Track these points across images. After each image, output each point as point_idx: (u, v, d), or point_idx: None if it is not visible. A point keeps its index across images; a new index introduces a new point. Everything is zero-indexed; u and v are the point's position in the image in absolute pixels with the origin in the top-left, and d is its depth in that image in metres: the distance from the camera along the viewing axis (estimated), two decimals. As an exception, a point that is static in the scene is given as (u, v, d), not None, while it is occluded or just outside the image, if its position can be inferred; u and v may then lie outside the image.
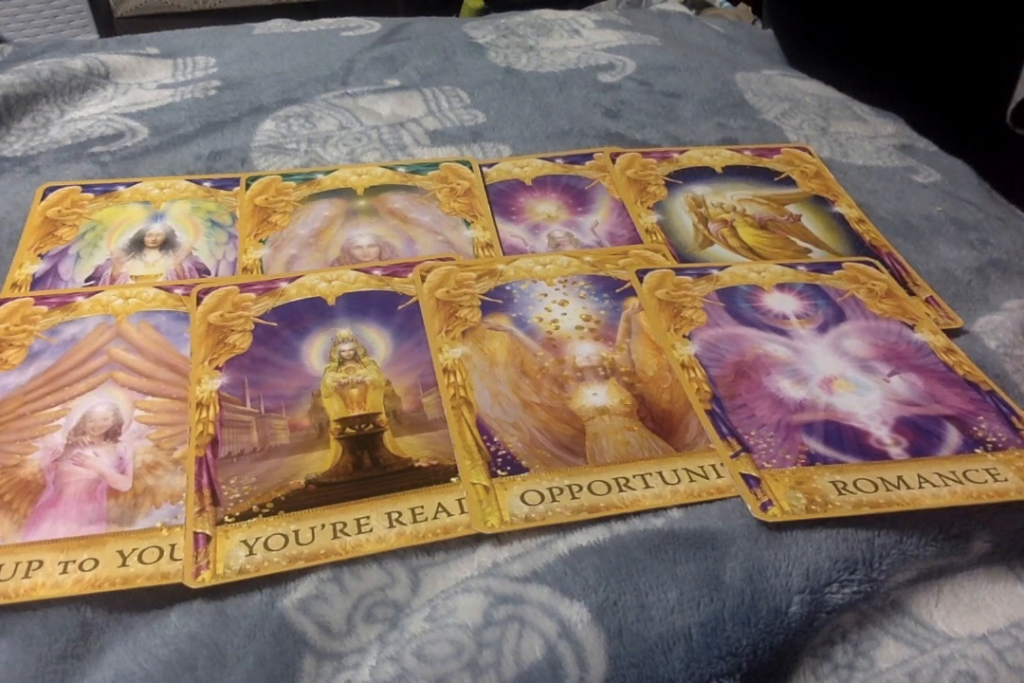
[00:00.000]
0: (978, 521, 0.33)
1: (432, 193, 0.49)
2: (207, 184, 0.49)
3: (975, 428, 0.36)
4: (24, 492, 0.32)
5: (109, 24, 1.28)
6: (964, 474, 0.33)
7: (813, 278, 0.44)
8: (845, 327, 0.41)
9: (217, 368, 0.37)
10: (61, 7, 1.22)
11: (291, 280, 0.42)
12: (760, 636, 0.29)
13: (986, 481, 0.33)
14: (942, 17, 0.57)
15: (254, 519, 0.31)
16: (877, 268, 0.45)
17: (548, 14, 0.73)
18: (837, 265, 0.45)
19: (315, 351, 0.38)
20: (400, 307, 0.41)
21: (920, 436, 0.35)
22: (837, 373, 0.38)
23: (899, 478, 0.33)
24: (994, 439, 0.35)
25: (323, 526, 0.31)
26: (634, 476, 0.33)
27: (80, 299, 0.41)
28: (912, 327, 0.41)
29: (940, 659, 0.30)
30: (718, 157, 0.54)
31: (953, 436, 0.35)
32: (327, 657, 0.29)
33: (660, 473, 0.33)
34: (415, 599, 0.30)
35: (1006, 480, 0.33)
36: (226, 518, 0.31)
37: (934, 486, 0.33)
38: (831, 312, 0.42)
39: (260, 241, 0.46)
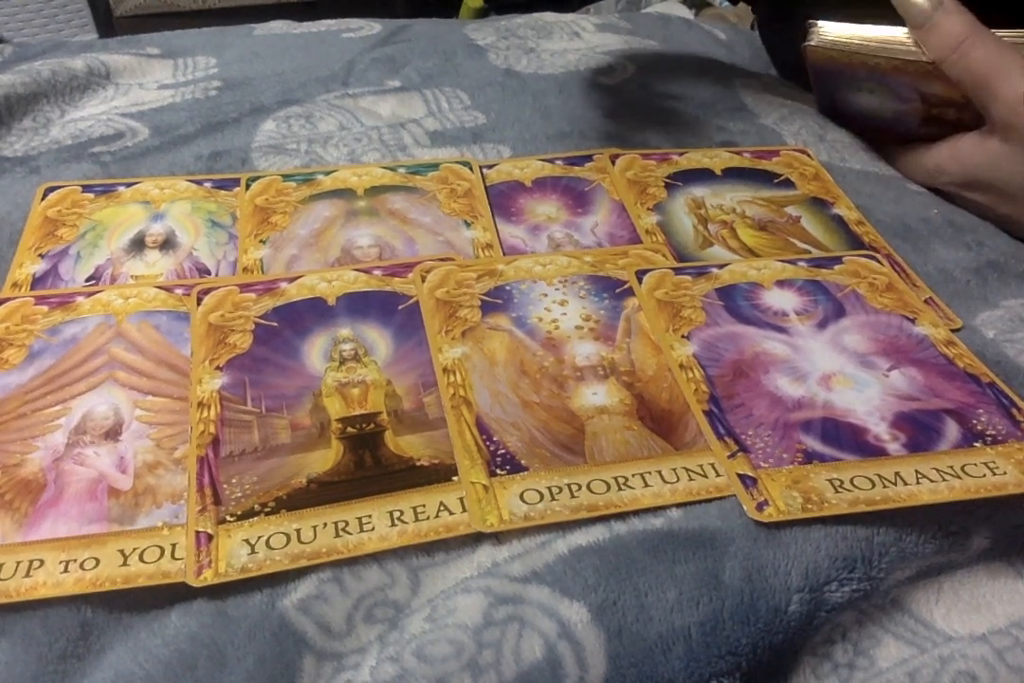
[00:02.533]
0: (977, 517, 0.33)
1: (432, 194, 0.49)
2: (207, 184, 0.49)
3: (974, 421, 0.36)
4: (25, 491, 0.32)
5: (108, 23, 1.28)
6: (962, 468, 0.33)
7: (813, 274, 0.44)
8: (845, 322, 0.41)
9: (218, 368, 0.37)
10: (60, 6, 1.23)
11: (291, 280, 0.42)
12: (760, 635, 0.29)
13: (984, 475, 0.33)
14: None
15: (256, 518, 0.31)
16: (878, 261, 0.45)
17: (549, 17, 0.73)
18: (837, 260, 0.45)
19: (316, 351, 0.38)
20: (400, 307, 0.41)
21: (919, 431, 0.35)
22: (836, 369, 0.38)
23: (896, 474, 0.33)
24: (993, 432, 0.35)
25: (325, 525, 0.31)
26: (633, 475, 0.33)
27: (80, 299, 0.41)
28: (913, 320, 0.41)
29: (940, 659, 0.30)
30: (717, 159, 0.54)
31: (952, 430, 0.35)
32: (327, 657, 0.29)
33: (659, 472, 0.33)
34: (415, 599, 0.30)
35: (1004, 473, 0.33)
36: (228, 517, 0.31)
37: (932, 481, 0.33)
38: (831, 307, 0.42)
39: (260, 241, 0.46)
